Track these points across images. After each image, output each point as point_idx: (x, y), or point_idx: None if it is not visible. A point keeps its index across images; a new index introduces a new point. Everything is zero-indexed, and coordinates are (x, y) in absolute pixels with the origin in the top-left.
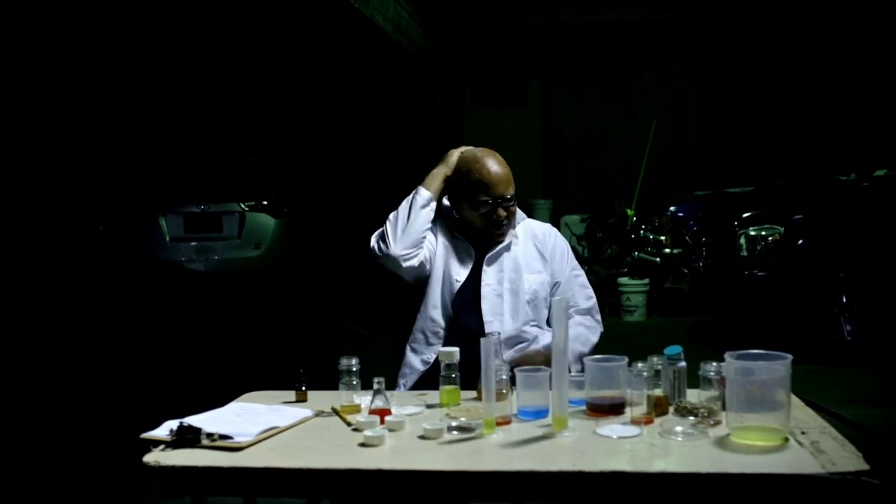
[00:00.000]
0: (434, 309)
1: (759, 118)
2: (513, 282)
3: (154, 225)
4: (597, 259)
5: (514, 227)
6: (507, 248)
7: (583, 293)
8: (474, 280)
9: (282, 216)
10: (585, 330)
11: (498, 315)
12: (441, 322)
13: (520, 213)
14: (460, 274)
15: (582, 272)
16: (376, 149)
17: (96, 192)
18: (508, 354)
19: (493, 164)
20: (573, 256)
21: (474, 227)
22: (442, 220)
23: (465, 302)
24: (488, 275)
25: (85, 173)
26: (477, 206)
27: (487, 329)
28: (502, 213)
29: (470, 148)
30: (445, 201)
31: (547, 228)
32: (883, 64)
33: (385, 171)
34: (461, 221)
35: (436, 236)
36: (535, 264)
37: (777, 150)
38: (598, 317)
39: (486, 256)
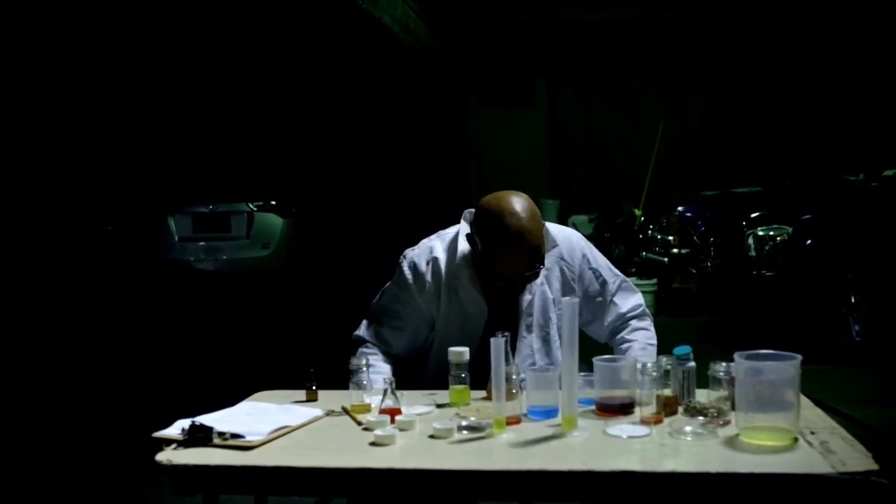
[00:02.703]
0: (438, 375)
1: (765, 118)
2: (541, 327)
3: (163, 225)
4: None
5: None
6: (534, 288)
7: (632, 295)
8: (491, 334)
9: (290, 216)
10: (647, 334)
11: (532, 366)
12: (465, 358)
13: (549, 236)
14: (467, 341)
15: (619, 279)
16: (384, 149)
17: (105, 191)
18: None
19: (525, 228)
20: (603, 261)
21: (493, 283)
22: (447, 258)
23: (478, 358)
24: (521, 326)
25: (93, 173)
26: (496, 269)
27: (524, 385)
28: (528, 282)
29: (496, 198)
30: (465, 226)
31: (569, 243)
32: (890, 63)
33: (392, 171)
34: (479, 266)
35: (437, 296)
36: (565, 296)
37: (784, 150)
38: (648, 312)
39: (518, 305)
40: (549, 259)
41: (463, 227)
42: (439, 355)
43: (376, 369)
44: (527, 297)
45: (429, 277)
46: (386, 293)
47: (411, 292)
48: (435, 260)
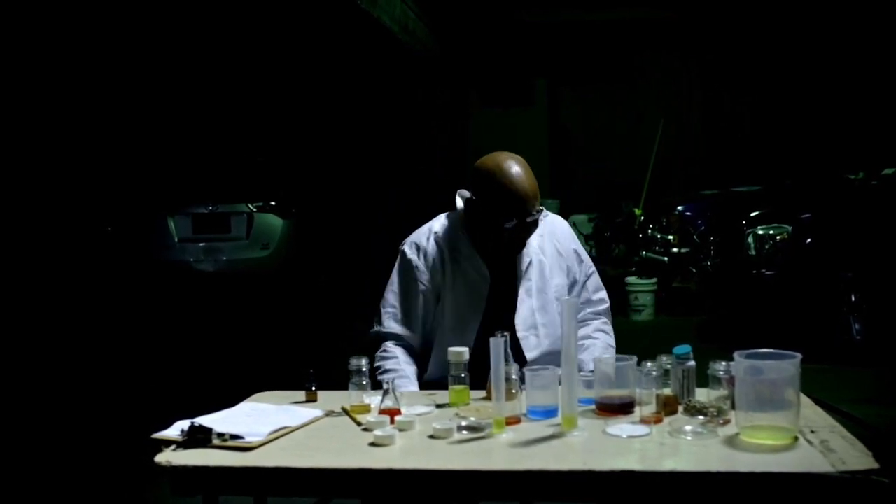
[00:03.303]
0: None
1: (765, 117)
2: (540, 289)
3: (162, 225)
4: (605, 258)
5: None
6: (532, 252)
7: (598, 293)
8: (496, 298)
9: (290, 216)
10: (607, 337)
11: (531, 329)
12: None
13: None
14: (476, 310)
15: (594, 269)
16: (383, 149)
17: (105, 192)
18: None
19: (516, 178)
20: (584, 250)
21: (495, 240)
22: (446, 234)
23: (487, 325)
24: (520, 287)
25: (93, 174)
26: (499, 227)
27: (524, 345)
28: (524, 234)
29: (490, 156)
30: (460, 201)
31: (563, 223)
32: (890, 61)
33: (392, 172)
34: (479, 229)
35: (441, 268)
36: (557, 263)
37: (784, 149)
38: (610, 318)
39: (512, 268)
40: (543, 228)
41: (459, 202)
42: (447, 328)
43: (400, 373)
44: (525, 259)
45: (431, 251)
46: (393, 282)
47: (418, 270)
48: (435, 234)
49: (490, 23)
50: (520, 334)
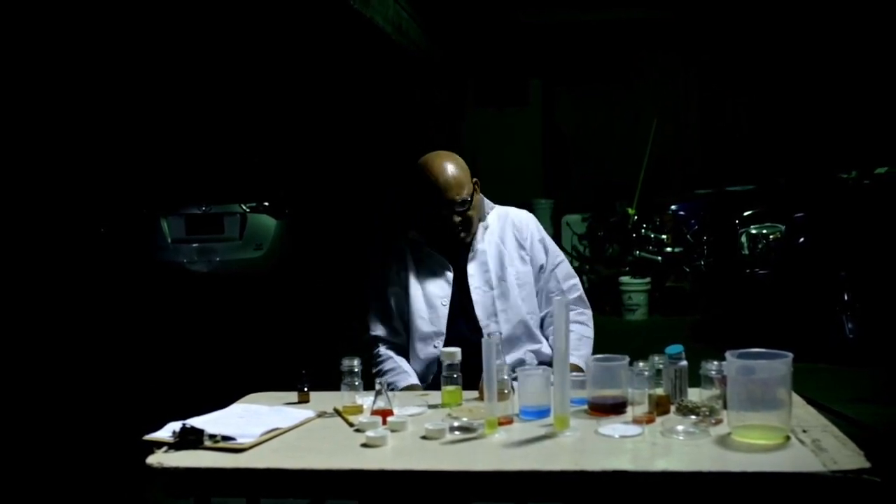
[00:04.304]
0: (422, 341)
1: (760, 117)
2: (499, 277)
3: (155, 226)
4: (598, 258)
5: (483, 220)
6: (486, 243)
7: (567, 282)
8: (460, 288)
9: (283, 217)
10: (580, 328)
11: (492, 316)
12: (433, 346)
13: (488, 203)
14: (442, 295)
15: (563, 258)
16: (378, 150)
17: (97, 193)
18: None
19: (437, 170)
20: (551, 241)
21: (437, 232)
22: (406, 241)
23: (456, 313)
24: (474, 278)
25: (86, 175)
26: (428, 217)
27: (485, 332)
28: (456, 219)
29: (425, 155)
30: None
31: (523, 215)
32: (883, 61)
33: (386, 173)
34: (424, 226)
35: (405, 267)
36: (518, 253)
37: (778, 148)
38: (586, 302)
39: (468, 259)
40: (498, 221)
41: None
42: (417, 315)
43: (398, 370)
44: (480, 249)
45: (392, 254)
46: (370, 287)
47: (383, 273)
48: (389, 239)
49: (484, 23)
50: (482, 323)
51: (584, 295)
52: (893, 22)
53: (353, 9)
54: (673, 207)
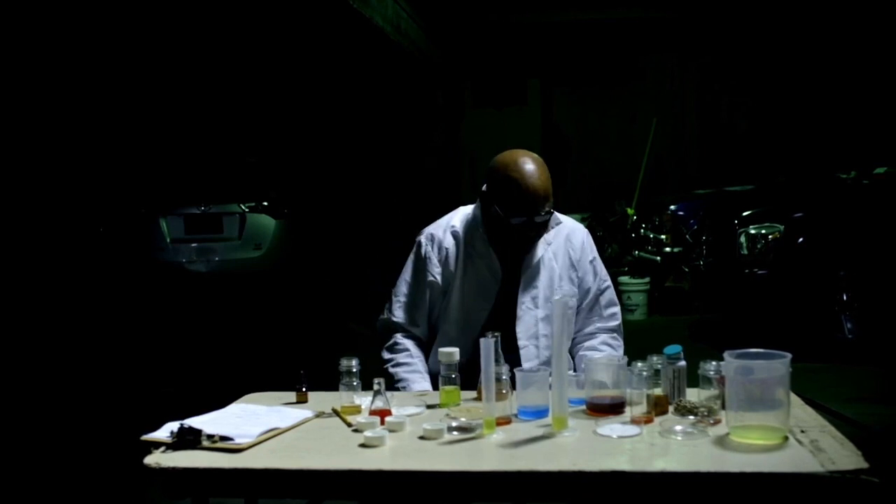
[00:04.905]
0: (449, 345)
1: (759, 116)
2: (547, 299)
3: (154, 226)
4: None
5: (547, 232)
6: (542, 260)
7: (609, 309)
8: (504, 301)
9: (282, 217)
10: (613, 351)
11: (533, 339)
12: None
13: (555, 216)
14: (483, 307)
15: (610, 283)
16: (377, 149)
17: (96, 193)
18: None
19: (528, 177)
20: (601, 262)
21: (504, 238)
22: (464, 228)
23: (493, 325)
24: (521, 293)
25: (85, 175)
26: (508, 223)
27: (522, 354)
28: (532, 233)
29: (509, 152)
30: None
31: (579, 231)
32: (882, 61)
33: (386, 172)
34: (490, 225)
35: (454, 261)
36: (568, 273)
37: (777, 148)
38: (622, 331)
39: (521, 273)
40: (557, 239)
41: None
42: (452, 321)
43: (413, 367)
44: (534, 265)
45: (446, 243)
46: (406, 271)
47: (430, 261)
48: (452, 226)
49: (483, 23)
50: (520, 342)
51: (621, 326)
52: (891, 22)
53: (352, 8)
54: (672, 207)
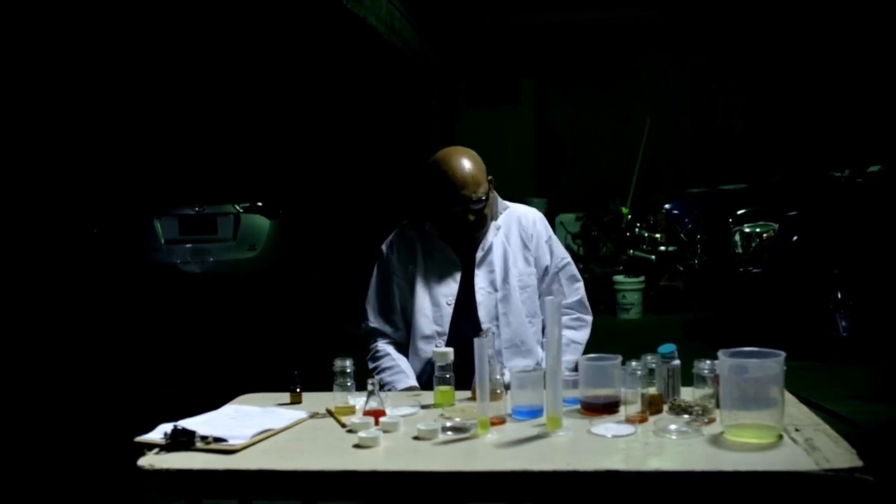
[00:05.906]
0: (423, 339)
1: (753, 115)
2: (503, 278)
3: (149, 227)
4: (592, 257)
5: (495, 219)
6: (493, 244)
7: (570, 286)
8: (466, 288)
9: (277, 217)
10: (571, 332)
11: (494, 319)
12: (435, 346)
13: (501, 203)
14: (448, 293)
15: (569, 260)
16: (371, 150)
17: (91, 194)
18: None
19: (455, 167)
20: (558, 242)
21: (450, 229)
22: (418, 232)
23: (460, 313)
24: (479, 278)
25: (79, 175)
26: (442, 213)
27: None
28: (471, 217)
29: (440, 151)
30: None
31: (531, 214)
32: (876, 61)
33: (380, 172)
34: (436, 220)
35: (413, 261)
36: (522, 253)
37: (771, 147)
38: (587, 308)
39: (476, 260)
40: (507, 222)
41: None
42: (421, 311)
43: (396, 369)
44: (487, 247)
45: (404, 244)
46: (372, 280)
47: (391, 264)
48: (408, 232)
49: (477, 23)
50: (483, 325)
51: (585, 300)
52: (886, 21)
53: (346, 8)
54: (666, 206)
